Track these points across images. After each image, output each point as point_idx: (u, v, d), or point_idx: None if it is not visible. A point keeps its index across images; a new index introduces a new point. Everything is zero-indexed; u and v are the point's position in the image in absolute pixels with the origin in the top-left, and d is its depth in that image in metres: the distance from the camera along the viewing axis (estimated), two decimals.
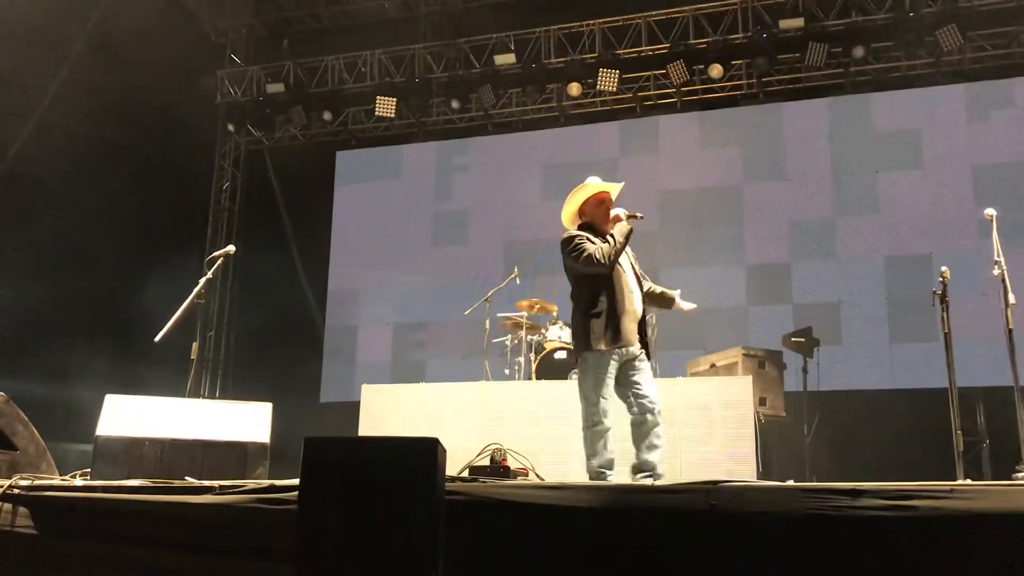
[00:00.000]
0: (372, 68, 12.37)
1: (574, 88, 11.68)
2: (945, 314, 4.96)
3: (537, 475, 4.28)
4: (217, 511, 3.36)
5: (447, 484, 3.16)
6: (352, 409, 8.01)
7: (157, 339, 5.41)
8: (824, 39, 10.66)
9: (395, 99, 11.97)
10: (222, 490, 3.48)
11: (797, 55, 10.93)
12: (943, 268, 5.10)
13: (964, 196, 10.15)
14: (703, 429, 6.88)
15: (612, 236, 5.05)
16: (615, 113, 12.02)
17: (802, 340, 9.00)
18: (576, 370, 8.10)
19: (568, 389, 7.72)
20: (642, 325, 5.13)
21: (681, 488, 3.11)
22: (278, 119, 12.93)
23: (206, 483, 3.59)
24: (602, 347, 4.90)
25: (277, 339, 12.00)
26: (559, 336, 8.48)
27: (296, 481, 2.93)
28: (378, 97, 12.01)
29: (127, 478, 4.14)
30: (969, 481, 4.29)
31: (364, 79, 12.40)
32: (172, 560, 3.47)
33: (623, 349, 4.93)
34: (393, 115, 12.08)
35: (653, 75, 11.68)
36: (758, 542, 2.96)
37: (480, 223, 12.02)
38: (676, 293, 5.44)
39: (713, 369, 8.55)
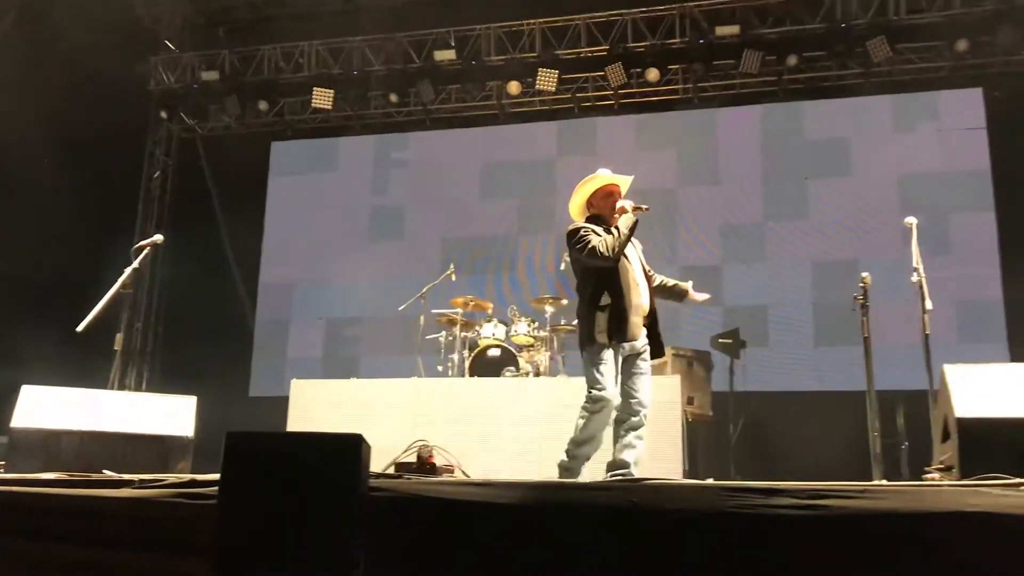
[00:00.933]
0: (310, 59, 12.22)
1: (514, 87, 11.71)
2: (865, 319, 5.11)
3: (463, 472, 4.28)
4: (135, 506, 3.29)
5: (372, 480, 3.15)
6: (282, 404, 7.94)
7: (80, 329, 5.29)
8: (759, 47, 10.85)
9: (332, 91, 11.85)
10: (141, 484, 3.41)
11: (732, 62, 11.10)
12: (864, 274, 5.25)
13: (890, 204, 10.44)
14: None
15: (617, 228, 4.98)
16: (553, 113, 12.09)
17: (729, 341, 9.17)
18: (510, 368, 8.21)
19: (501, 387, 7.78)
20: (652, 319, 5.10)
21: (602, 485, 3.16)
22: (212, 108, 12.71)
23: (125, 477, 3.52)
24: (606, 340, 4.86)
25: (207, 332, 11.79)
26: (493, 334, 8.50)
27: (217, 476, 2.89)
28: (315, 88, 11.87)
29: (43, 471, 4.04)
30: (883, 481, 4.42)
31: (301, 70, 12.25)
32: (88, 556, 3.38)
33: (628, 344, 4.91)
34: (330, 107, 11.95)
35: (591, 76, 11.77)
36: (676, 539, 3.00)
37: (417, 219, 11.99)
38: (689, 284, 5.42)
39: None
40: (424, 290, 8.94)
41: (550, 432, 7.21)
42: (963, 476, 3.21)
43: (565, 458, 4.97)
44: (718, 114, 11.51)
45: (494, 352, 8.33)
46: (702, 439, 8.50)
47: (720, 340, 9.21)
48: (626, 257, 5.01)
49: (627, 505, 3.02)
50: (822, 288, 10.49)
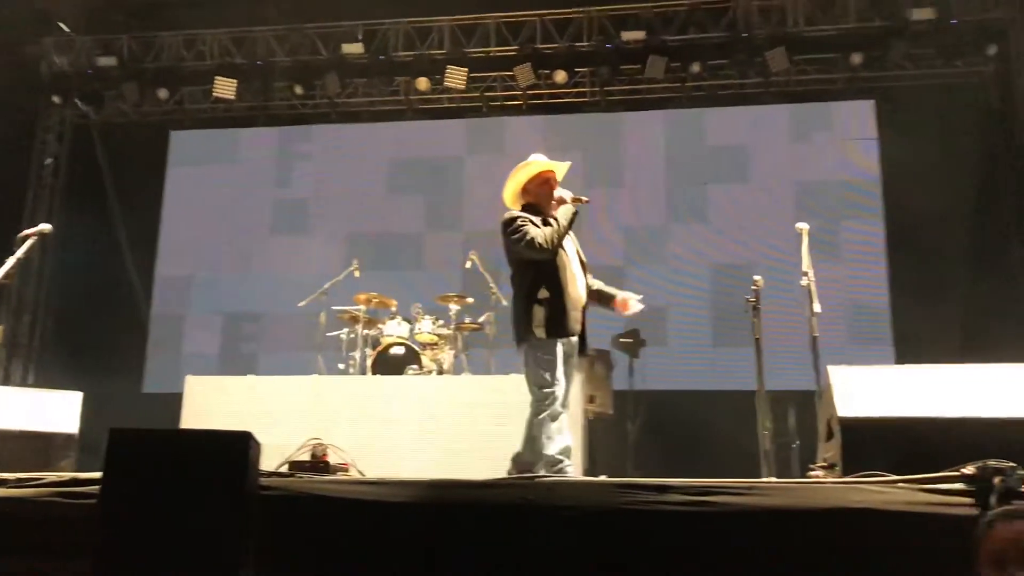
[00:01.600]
0: (212, 47, 11.91)
1: (422, 83, 11.65)
2: (756, 320, 5.25)
3: (358, 471, 4.24)
4: (10, 506, 3.15)
5: (262, 479, 3.09)
6: (177, 401, 7.71)
7: None
8: (664, 53, 11.05)
9: (235, 80, 11.58)
10: (18, 483, 3.27)
11: (638, 67, 11.28)
12: (756, 277, 5.40)
13: (785, 210, 10.76)
14: None
15: (555, 219, 4.82)
16: (462, 111, 12.07)
17: (630, 341, 9.33)
18: (413, 366, 8.16)
19: (403, 385, 7.73)
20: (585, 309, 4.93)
21: (497, 483, 3.16)
22: (108, 94, 12.26)
23: (1, 476, 3.37)
24: (544, 335, 4.69)
25: (99, 325, 11.36)
26: (397, 331, 8.43)
27: (100, 474, 2.79)
28: (217, 78, 11.58)
29: None
30: (771, 479, 4.56)
31: (203, 58, 11.93)
32: None
33: (567, 339, 4.77)
34: (233, 97, 11.68)
35: (500, 76, 11.79)
36: (570, 536, 3.04)
37: (321, 213, 11.81)
38: (627, 294, 5.19)
39: None
40: (326, 286, 8.81)
41: (452, 431, 7.21)
42: (845, 473, 3.33)
43: (549, 466, 4.70)
44: (624, 118, 11.68)
45: (397, 350, 8.25)
46: (602, 437, 8.62)
47: (621, 340, 9.37)
48: (563, 249, 4.87)
49: (521, 503, 3.05)
50: (720, 290, 10.75)
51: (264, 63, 11.81)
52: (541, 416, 4.74)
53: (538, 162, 5.09)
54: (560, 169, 5.14)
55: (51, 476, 3.23)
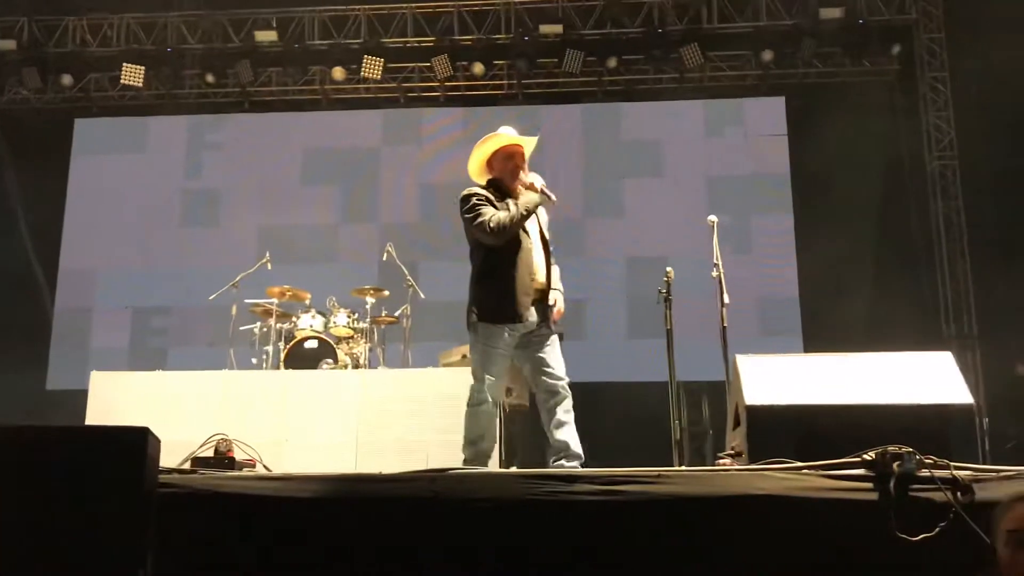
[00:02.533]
0: (120, 33, 11.52)
1: (338, 72, 11.48)
2: (668, 312, 5.31)
3: (265, 466, 4.14)
4: None
5: (162, 476, 2.99)
6: (83, 398, 7.44)
7: None
8: (581, 47, 11.11)
9: (143, 67, 11.22)
10: None
11: (555, 60, 11.31)
12: (668, 268, 5.47)
13: (699, 204, 10.89)
14: (451, 419, 6.95)
15: (515, 205, 4.52)
16: (378, 102, 11.93)
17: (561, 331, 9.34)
18: (328, 360, 8.03)
19: (317, 379, 7.61)
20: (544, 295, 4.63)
21: (405, 477, 3.12)
22: (9, 80, 11.75)
23: None
24: (488, 320, 4.45)
25: (0, 319, 10.91)
26: (311, 325, 8.28)
27: None
28: (124, 64, 11.21)
29: None
30: (680, 468, 4.61)
31: (110, 44, 11.53)
32: None
33: (515, 324, 4.45)
34: (141, 84, 11.32)
35: (418, 67, 11.70)
36: (480, 528, 3.01)
37: (232, 204, 11.52)
38: (556, 305, 4.77)
39: (464, 360, 8.65)
40: (237, 279, 8.60)
41: (367, 426, 7.13)
42: (751, 461, 3.38)
43: (467, 459, 4.53)
44: (541, 111, 11.70)
45: (311, 344, 8.12)
46: (519, 429, 8.61)
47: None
48: (524, 231, 4.59)
49: (429, 496, 3.01)
50: (636, 283, 10.85)
51: (174, 50, 11.48)
52: (470, 408, 4.58)
53: (504, 135, 4.80)
54: (528, 144, 4.86)
55: None
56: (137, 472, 2.60)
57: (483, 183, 4.79)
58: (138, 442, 2.63)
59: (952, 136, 10.99)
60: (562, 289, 4.85)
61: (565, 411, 4.56)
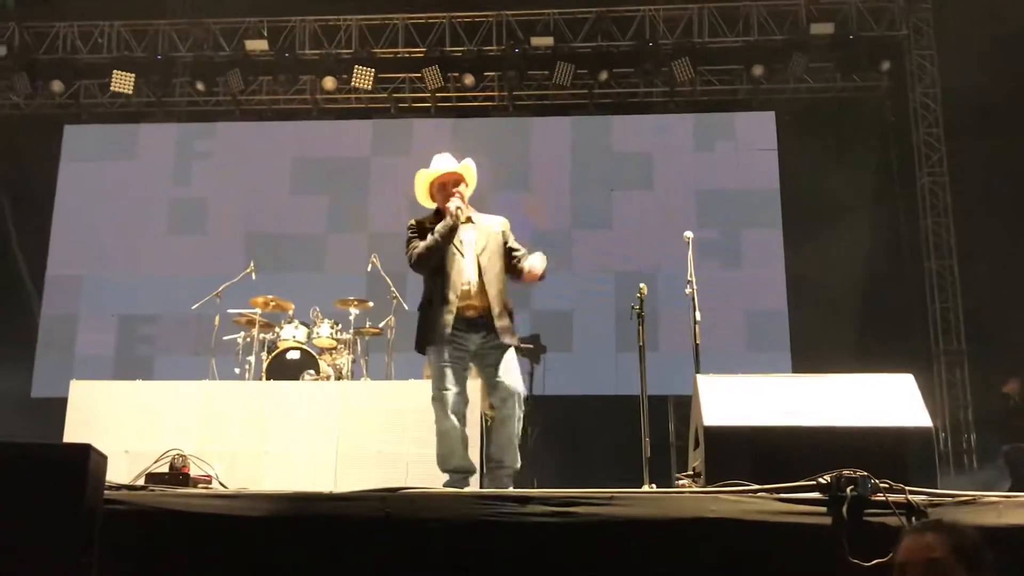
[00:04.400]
0: (110, 40, 11.55)
1: (329, 82, 11.50)
2: (641, 328, 5.29)
3: (220, 483, 4.11)
4: None
5: (110, 493, 2.97)
6: (66, 406, 7.40)
7: None
8: (571, 60, 11.12)
9: (133, 75, 11.23)
10: None
11: (546, 73, 11.32)
12: (641, 285, 5.44)
13: (687, 218, 10.85)
14: (431, 432, 6.93)
15: (431, 233, 4.70)
16: (369, 112, 11.95)
17: (530, 347, 9.31)
18: (310, 371, 8.00)
19: (299, 391, 7.56)
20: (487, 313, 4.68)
21: (356, 496, 3.09)
22: None
23: None
24: (419, 349, 4.69)
25: None
26: (294, 335, 8.24)
27: None
28: (115, 71, 11.22)
29: None
30: (632, 488, 4.57)
31: (100, 51, 11.56)
32: None
33: (440, 347, 4.59)
34: (131, 91, 11.33)
35: (408, 77, 11.71)
36: (430, 549, 2.99)
37: (220, 213, 11.50)
38: (530, 263, 4.94)
39: None
40: (220, 288, 8.56)
41: (349, 438, 7.08)
42: (708, 482, 3.36)
43: (447, 483, 4.64)
44: (531, 123, 11.71)
45: (293, 354, 8.07)
46: None
47: (520, 345, 9.33)
48: (457, 249, 4.71)
49: (380, 516, 2.99)
50: (623, 296, 10.81)
51: (164, 58, 11.49)
52: (437, 428, 4.68)
53: (436, 169, 4.92)
54: (467, 172, 4.95)
55: None
56: (78, 489, 2.57)
57: (434, 209, 4.95)
58: (79, 459, 2.60)
59: (943, 153, 10.99)
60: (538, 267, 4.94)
61: (504, 424, 4.62)
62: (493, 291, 4.72)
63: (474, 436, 6.95)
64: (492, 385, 4.67)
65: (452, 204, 4.73)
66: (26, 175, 11.66)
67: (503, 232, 4.99)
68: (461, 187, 4.89)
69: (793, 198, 11.14)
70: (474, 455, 6.88)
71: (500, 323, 4.68)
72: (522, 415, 4.66)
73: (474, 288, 4.71)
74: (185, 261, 11.18)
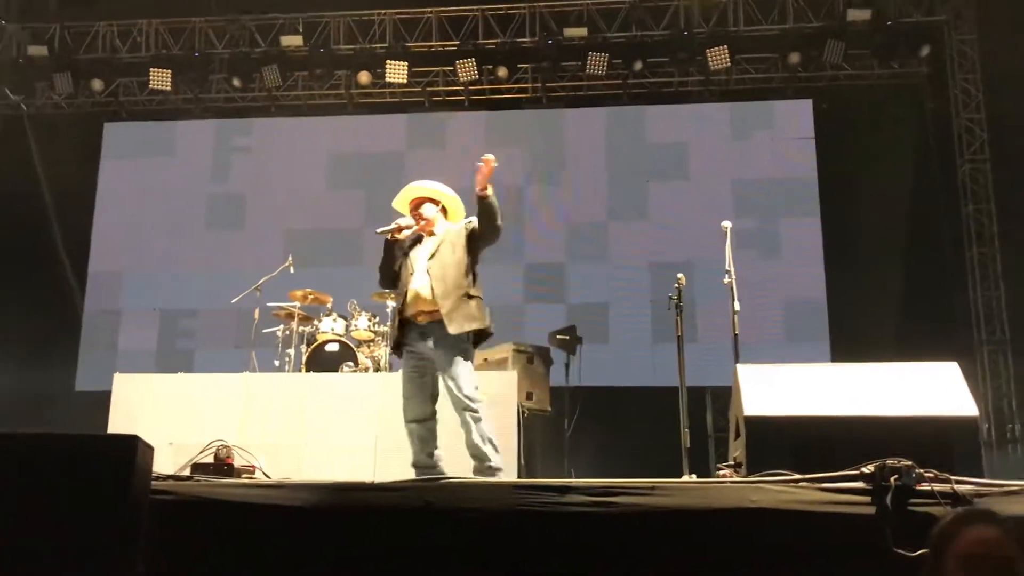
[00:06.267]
0: (148, 38, 11.68)
1: (363, 77, 11.54)
2: (679, 319, 5.26)
3: (264, 473, 4.16)
4: None
5: (157, 484, 3.02)
6: (109, 399, 7.53)
7: None
8: (605, 50, 11.06)
9: (171, 72, 11.36)
10: None
11: (579, 63, 11.27)
12: (679, 275, 5.42)
13: (724, 208, 10.76)
14: None
15: None
16: (403, 106, 11.98)
17: (566, 338, 9.28)
18: (348, 363, 8.07)
19: (338, 382, 7.63)
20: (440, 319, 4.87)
21: (398, 486, 3.12)
22: (40, 84, 11.96)
23: None
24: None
25: (31, 321, 11.08)
26: (332, 328, 8.33)
27: None
28: (152, 69, 11.36)
29: None
30: (672, 479, 4.55)
31: (139, 49, 11.70)
32: None
33: (407, 348, 4.97)
34: (169, 88, 11.46)
35: (442, 71, 11.72)
36: (471, 538, 3.00)
37: (258, 208, 11.62)
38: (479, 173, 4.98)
39: (485, 364, 8.68)
40: (260, 282, 8.67)
41: (387, 429, 7.11)
42: (750, 472, 3.33)
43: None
44: (565, 114, 11.68)
45: (332, 347, 8.15)
46: (539, 434, 8.59)
47: (557, 336, 9.32)
48: (412, 262, 5.04)
49: (421, 505, 3.00)
50: (660, 287, 10.75)
51: (201, 55, 11.60)
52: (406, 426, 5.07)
53: (407, 191, 5.36)
54: (442, 196, 5.29)
55: None
56: (125, 480, 2.62)
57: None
58: (127, 450, 2.64)
59: (984, 139, 10.79)
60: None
61: (465, 432, 4.82)
62: (439, 290, 4.88)
63: (511, 427, 7.01)
64: (447, 388, 4.88)
65: (401, 221, 5.15)
66: (68, 173, 11.85)
67: (464, 230, 5.12)
68: (424, 208, 5.22)
69: (831, 186, 11.02)
70: (512, 447, 6.94)
71: (448, 318, 4.84)
72: (478, 417, 4.82)
73: (422, 294, 4.92)
74: (224, 256, 11.33)
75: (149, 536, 2.82)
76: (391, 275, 5.12)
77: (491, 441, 4.84)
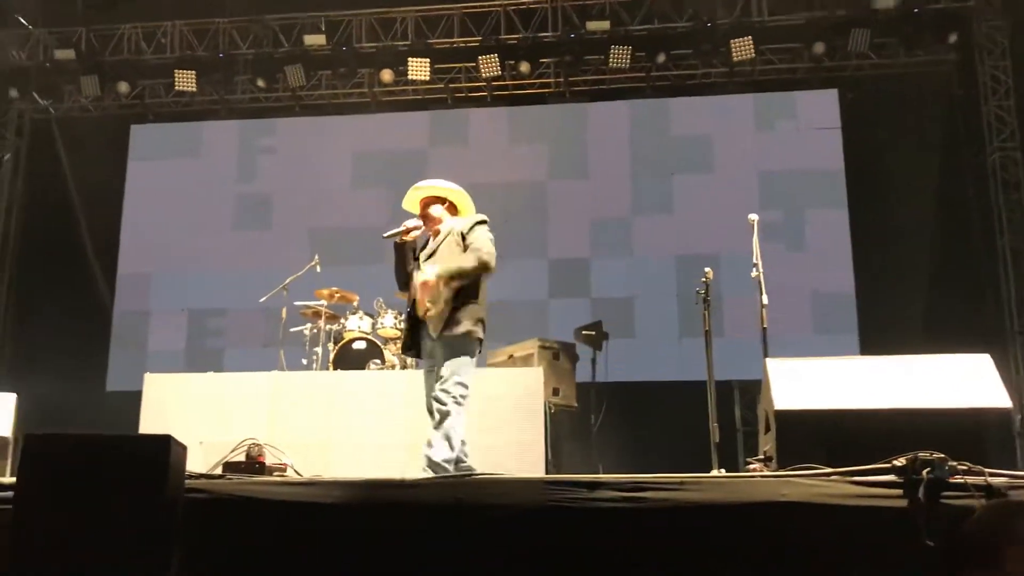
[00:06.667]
0: (173, 40, 11.76)
1: (386, 75, 11.57)
2: (707, 313, 5.24)
3: (295, 471, 4.19)
4: None
5: (190, 482, 3.05)
6: (140, 399, 7.61)
7: None
8: (628, 43, 11.01)
9: (195, 72, 11.45)
10: None
11: (602, 57, 11.23)
12: (706, 269, 5.39)
13: (749, 200, 10.72)
14: (495, 419, 6.98)
15: None
16: (426, 103, 11.99)
17: (592, 333, 9.27)
18: (375, 361, 8.12)
19: (366, 380, 7.67)
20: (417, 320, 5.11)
21: (428, 483, 3.14)
22: (67, 88, 12.10)
23: None
24: None
25: (62, 322, 11.22)
26: (359, 326, 8.38)
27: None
28: (177, 70, 11.45)
29: None
30: (702, 474, 4.53)
31: (164, 51, 11.78)
32: None
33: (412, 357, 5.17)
34: (194, 90, 11.55)
35: (465, 67, 11.72)
36: (501, 534, 3.01)
37: (284, 207, 11.69)
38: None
39: (511, 360, 8.70)
40: (287, 282, 8.75)
41: (415, 426, 7.14)
42: (780, 466, 3.32)
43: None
44: (588, 108, 11.65)
45: (359, 345, 8.21)
46: (566, 430, 8.59)
47: (583, 332, 9.31)
48: (418, 263, 5.16)
49: (452, 502, 3.01)
50: (686, 281, 10.71)
51: (225, 55, 11.67)
52: None
53: (418, 188, 5.38)
54: (449, 192, 5.35)
55: None
56: (160, 479, 2.65)
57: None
58: (161, 450, 2.68)
59: (1014, 126, 10.65)
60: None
61: (433, 429, 4.87)
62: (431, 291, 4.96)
63: (537, 423, 7.01)
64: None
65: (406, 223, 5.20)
66: (96, 176, 11.97)
67: (461, 231, 5.17)
68: (432, 208, 5.28)
69: (858, 177, 10.92)
70: (535, 442, 6.94)
71: (430, 319, 4.97)
72: (445, 411, 4.83)
73: (417, 302, 5.04)
74: (251, 256, 11.41)
75: (184, 533, 2.85)
76: (404, 277, 5.23)
77: (448, 438, 4.82)
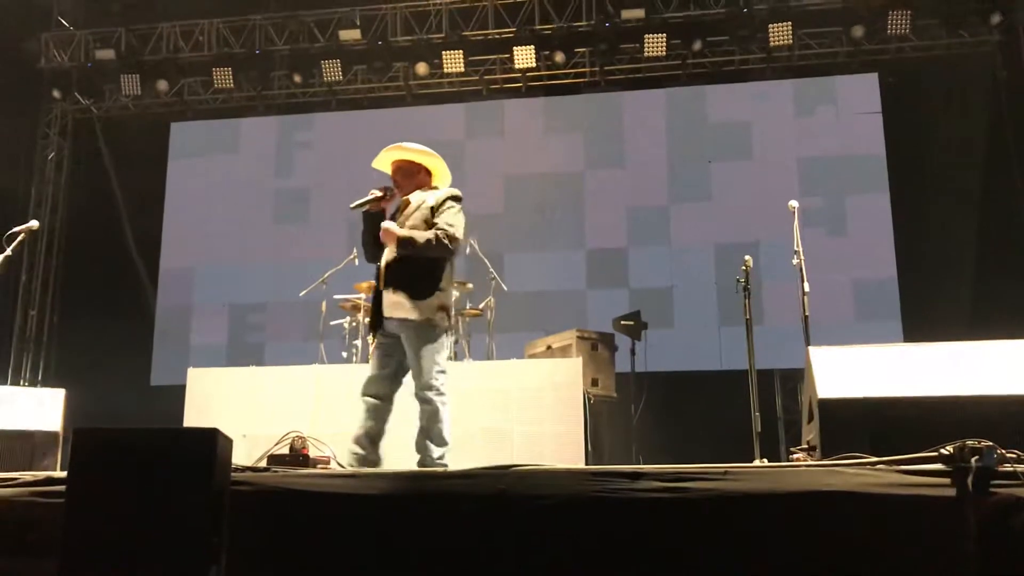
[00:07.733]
0: (210, 37, 11.90)
1: (421, 67, 11.61)
2: (747, 302, 5.20)
3: (339, 463, 4.23)
4: None
5: (235, 475, 3.09)
6: (183, 393, 7.73)
7: None
8: (663, 30, 10.93)
9: (232, 69, 11.58)
10: None
11: (637, 45, 11.17)
12: (746, 257, 5.34)
13: (789, 187, 10.62)
14: (534, 410, 7.00)
15: None
16: (462, 95, 12.02)
17: (631, 323, 9.25)
18: None
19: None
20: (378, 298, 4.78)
21: (471, 473, 3.14)
22: (108, 87, 12.29)
23: None
24: None
25: (106, 319, 11.41)
26: None
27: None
28: (215, 68, 11.57)
29: None
30: (746, 463, 4.51)
31: (201, 48, 11.93)
32: None
33: (380, 329, 4.79)
34: (232, 87, 11.68)
35: (499, 58, 11.72)
36: (545, 525, 3.01)
37: (322, 201, 11.77)
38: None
39: (549, 351, 8.70)
40: (326, 275, 8.82)
41: (455, 417, 7.17)
42: (824, 456, 3.29)
43: None
44: (624, 97, 11.58)
45: None
46: (605, 420, 8.58)
47: (622, 322, 9.29)
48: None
49: (495, 492, 3.02)
50: (725, 270, 10.64)
51: (262, 52, 11.78)
52: None
53: (392, 150, 5.13)
54: (404, 154, 5.09)
55: (26, 476, 3.24)
56: (207, 471, 2.69)
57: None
58: (208, 443, 2.71)
59: None
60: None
61: (419, 417, 4.68)
62: (396, 268, 4.67)
63: (577, 414, 7.00)
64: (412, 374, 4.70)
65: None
66: (138, 174, 12.17)
67: (432, 205, 4.83)
68: (399, 171, 5.02)
69: (900, 162, 10.75)
70: (575, 433, 6.93)
71: (388, 302, 4.64)
72: (437, 408, 4.66)
73: (383, 269, 4.75)
74: (290, 250, 11.53)
75: (231, 526, 2.89)
76: (372, 249, 4.84)
77: (441, 434, 4.71)
